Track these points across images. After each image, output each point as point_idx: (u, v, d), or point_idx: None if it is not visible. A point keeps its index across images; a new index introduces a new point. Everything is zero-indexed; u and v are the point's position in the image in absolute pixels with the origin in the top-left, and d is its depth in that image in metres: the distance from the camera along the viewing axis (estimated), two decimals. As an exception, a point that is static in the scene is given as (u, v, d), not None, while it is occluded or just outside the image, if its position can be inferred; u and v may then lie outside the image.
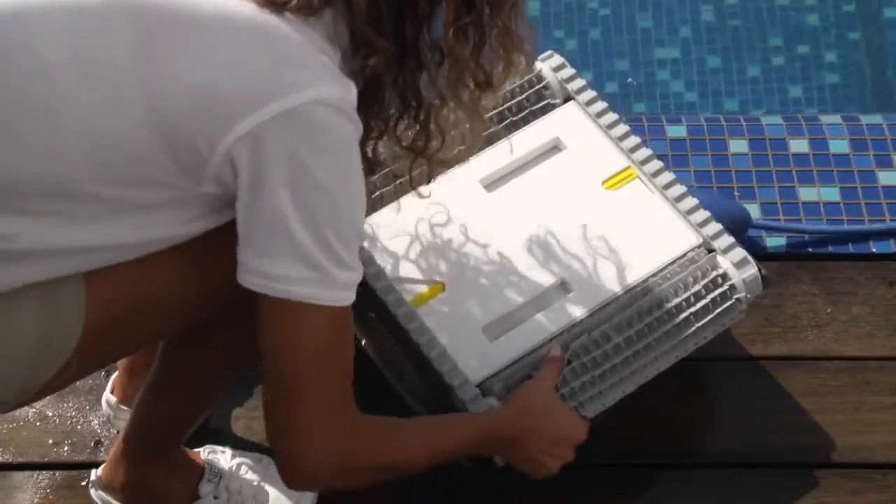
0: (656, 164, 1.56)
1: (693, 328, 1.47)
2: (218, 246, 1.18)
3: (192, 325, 1.29)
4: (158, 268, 1.21)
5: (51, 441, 1.62)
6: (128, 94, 1.09)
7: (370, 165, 1.24)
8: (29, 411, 1.64)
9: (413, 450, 1.29)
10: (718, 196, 1.83)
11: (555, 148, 1.60)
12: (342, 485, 1.27)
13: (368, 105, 1.17)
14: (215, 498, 1.49)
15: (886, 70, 2.55)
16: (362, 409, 1.56)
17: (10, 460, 1.60)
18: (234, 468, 1.51)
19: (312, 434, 1.18)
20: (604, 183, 1.56)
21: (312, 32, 1.12)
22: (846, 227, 1.82)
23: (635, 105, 2.56)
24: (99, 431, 1.63)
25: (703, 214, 1.53)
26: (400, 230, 1.52)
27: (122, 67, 1.09)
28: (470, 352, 1.42)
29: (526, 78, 1.62)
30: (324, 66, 1.11)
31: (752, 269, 1.49)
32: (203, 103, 1.09)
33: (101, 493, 1.50)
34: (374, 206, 1.55)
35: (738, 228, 1.73)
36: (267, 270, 1.12)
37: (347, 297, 1.15)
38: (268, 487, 1.52)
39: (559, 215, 1.54)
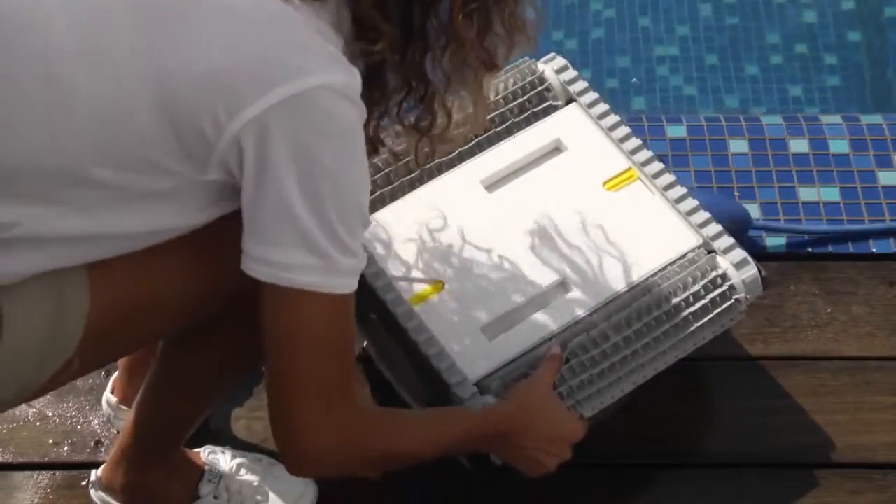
0: (657, 166, 1.56)
1: (692, 328, 1.47)
2: (220, 245, 1.18)
3: (193, 325, 1.29)
4: (161, 267, 1.21)
5: (51, 441, 1.62)
6: (132, 78, 1.08)
7: (373, 145, 1.24)
8: (29, 411, 1.64)
9: (413, 441, 1.29)
10: (720, 197, 1.83)
11: (556, 149, 1.60)
12: (343, 472, 1.29)
13: (371, 89, 1.17)
14: (215, 498, 1.49)
15: (886, 70, 2.55)
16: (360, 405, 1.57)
17: (10, 460, 1.60)
18: (234, 469, 1.51)
19: (315, 423, 1.18)
20: (605, 184, 1.56)
21: (318, 19, 1.12)
22: (846, 226, 1.82)
23: (634, 103, 2.56)
24: (99, 431, 1.63)
25: (704, 215, 1.53)
26: (400, 229, 1.53)
27: (127, 51, 1.08)
28: (468, 350, 1.43)
29: (528, 80, 1.62)
30: (329, 52, 1.11)
31: (751, 270, 1.50)
32: (210, 88, 1.08)
33: (100, 493, 1.50)
34: (374, 206, 1.55)
35: (739, 229, 1.73)
36: (271, 258, 1.12)
37: (351, 284, 1.16)
38: (268, 488, 1.52)
39: (560, 216, 1.54)
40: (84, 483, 1.53)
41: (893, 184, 1.87)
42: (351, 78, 1.11)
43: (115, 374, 1.60)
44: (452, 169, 1.58)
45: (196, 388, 1.39)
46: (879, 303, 1.76)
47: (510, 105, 1.61)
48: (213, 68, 1.08)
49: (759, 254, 1.75)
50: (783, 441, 1.62)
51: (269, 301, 1.15)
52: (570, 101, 1.63)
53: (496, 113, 1.60)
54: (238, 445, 1.57)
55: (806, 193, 1.86)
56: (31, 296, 1.15)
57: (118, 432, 1.57)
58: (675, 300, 1.46)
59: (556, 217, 1.54)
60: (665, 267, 1.50)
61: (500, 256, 1.51)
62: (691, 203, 1.54)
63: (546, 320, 1.46)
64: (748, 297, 1.50)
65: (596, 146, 1.59)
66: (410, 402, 1.55)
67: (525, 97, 1.62)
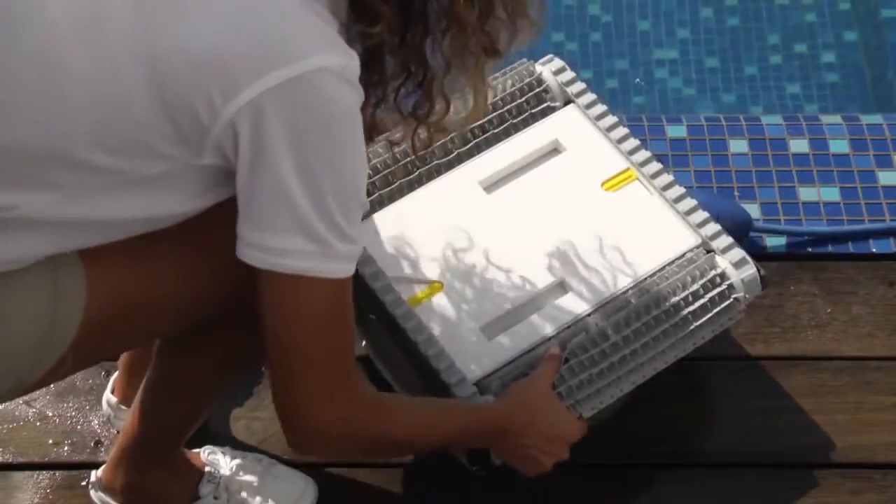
0: (655, 166, 1.57)
1: (691, 328, 1.47)
2: (219, 246, 1.18)
3: (191, 326, 1.29)
4: (160, 265, 1.21)
5: (51, 441, 1.62)
6: (127, 60, 1.07)
7: (368, 133, 1.21)
8: (29, 411, 1.64)
9: (414, 428, 1.29)
10: (722, 199, 1.83)
11: (554, 150, 1.60)
12: (344, 453, 1.30)
13: (368, 73, 1.15)
14: (215, 499, 1.49)
15: (886, 70, 2.55)
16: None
17: (10, 460, 1.60)
18: (234, 469, 1.51)
19: (317, 403, 1.18)
20: (603, 184, 1.57)
21: (315, 1, 1.10)
22: (846, 226, 1.82)
23: (634, 104, 2.56)
24: (99, 431, 1.63)
25: (702, 215, 1.53)
26: (399, 231, 1.53)
27: (122, 32, 1.07)
28: (468, 350, 1.43)
29: (526, 81, 1.62)
30: (328, 35, 1.10)
31: (750, 270, 1.50)
32: (206, 69, 1.06)
33: (100, 494, 1.50)
34: (373, 207, 1.55)
35: (741, 232, 1.73)
36: (267, 244, 1.11)
37: (348, 269, 1.15)
38: (268, 488, 1.52)
39: (558, 216, 1.54)
40: (84, 483, 1.54)
41: (893, 184, 1.87)
42: (350, 60, 1.10)
43: (115, 374, 1.61)
44: (451, 170, 1.59)
45: (195, 389, 1.39)
46: (879, 303, 1.76)
47: (508, 106, 1.61)
48: (209, 50, 1.06)
49: (758, 254, 1.75)
50: (783, 441, 1.62)
51: (266, 287, 1.14)
52: (568, 102, 1.63)
53: (495, 114, 1.61)
54: (238, 445, 1.57)
55: (806, 193, 1.86)
56: (27, 290, 1.15)
57: (118, 432, 1.57)
58: (673, 300, 1.46)
59: (554, 218, 1.54)
60: (664, 266, 1.50)
61: (499, 257, 1.51)
62: (690, 203, 1.54)
63: (545, 320, 1.47)
64: (747, 296, 1.50)
65: (594, 147, 1.59)
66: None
67: (523, 98, 1.62)
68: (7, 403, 1.65)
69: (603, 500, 1.58)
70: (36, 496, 1.57)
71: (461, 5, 1.13)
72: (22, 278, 1.15)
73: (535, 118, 1.62)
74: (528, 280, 1.49)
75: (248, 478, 1.52)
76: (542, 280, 1.49)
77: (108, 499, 1.49)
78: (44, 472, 1.59)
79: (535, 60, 1.66)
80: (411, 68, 1.17)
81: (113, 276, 1.18)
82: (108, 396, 1.60)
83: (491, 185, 1.58)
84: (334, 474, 1.58)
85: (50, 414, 1.64)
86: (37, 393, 1.65)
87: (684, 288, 1.47)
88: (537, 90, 1.63)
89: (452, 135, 1.58)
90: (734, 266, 1.50)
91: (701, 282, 1.48)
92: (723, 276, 1.49)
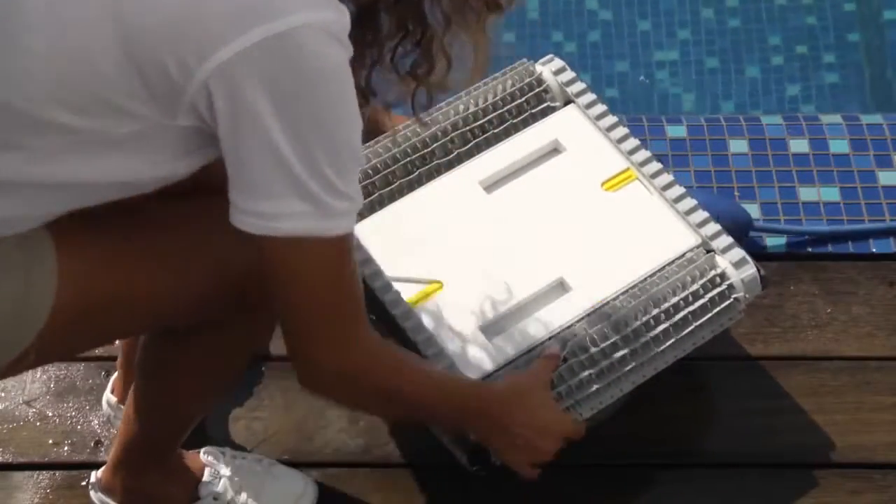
0: (655, 166, 1.57)
1: (691, 327, 1.47)
2: (198, 248, 1.16)
3: (169, 332, 1.27)
4: (137, 259, 1.18)
5: (51, 441, 1.62)
6: (93, 13, 1.02)
7: (364, 95, 1.16)
8: (29, 411, 1.64)
9: (421, 388, 1.28)
10: (721, 199, 1.83)
11: (554, 150, 1.61)
12: (352, 399, 1.28)
13: (363, 31, 1.11)
14: (215, 499, 1.48)
15: (886, 70, 2.55)
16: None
17: (10, 460, 1.60)
18: (234, 470, 1.51)
19: (326, 354, 1.17)
20: (603, 184, 1.57)
21: None
22: (846, 226, 1.82)
23: (633, 105, 2.56)
24: (99, 431, 1.63)
25: (702, 215, 1.53)
26: (399, 230, 1.53)
27: None
28: (468, 350, 1.43)
29: (526, 81, 1.62)
30: None
31: (750, 269, 1.50)
32: (177, 25, 1.01)
33: (100, 495, 1.50)
34: (373, 207, 1.55)
35: (740, 232, 1.73)
36: (262, 209, 1.07)
37: (348, 225, 1.11)
38: (268, 489, 1.52)
39: (558, 216, 1.54)
40: (84, 483, 1.54)
41: (893, 184, 1.87)
42: (339, 15, 1.04)
43: (115, 374, 1.61)
44: (451, 170, 1.59)
45: (184, 391, 1.37)
46: (879, 303, 1.76)
47: (508, 106, 1.61)
48: (181, 4, 1.01)
49: (758, 253, 1.75)
50: (783, 441, 1.62)
51: (266, 251, 1.11)
52: (568, 102, 1.64)
53: (495, 114, 1.61)
54: (238, 446, 1.57)
55: (806, 193, 1.86)
56: None
57: (117, 433, 1.57)
58: (673, 299, 1.46)
59: (554, 217, 1.54)
60: (664, 266, 1.50)
61: (499, 257, 1.51)
62: (690, 203, 1.54)
63: (545, 320, 1.47)
64: (747, 296, 1.50)
65: (594, 147, 1.60)
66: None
67: (523, 98, 1.62)
68: (7, 403, 1.65)
69: (603, 500, 1.58)
70: (36, 496, 1.57)
71: None
72: None
73: (535, 118, 1.62)
74: (527, 280, 1.49)
75: (248, 478, 1.51)
76: (542, 280, 1.49)
77: (107, 499, 1.49)
78: (44, 472, 1.59)
79: (535, 60, 1.66)
80: (409, 26, 1.12)
81: (87, 266, 1.15)
82: (108, 396, 1.60)
83: (491, 185, 1.58)
84: (334, 474, 1.58)
85: (50, 414, 1.64)
86: (37, 393, 1.65)
87: (684, 288, 1.47)
88: (537, 90, 1.63)
89: (453, 135, 1.58)
90: (734, 266, 1.50)
91: (701, 282, 1.48)
92: (723, 276, 1.49)
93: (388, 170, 1.56)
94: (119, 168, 1.10)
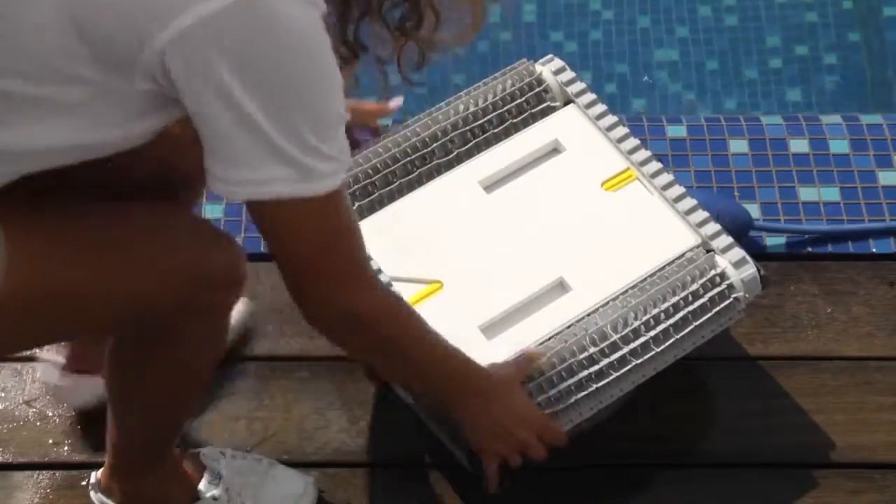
0: (655, 166, 1.57)
1: (691, 327, 1.47)
2: (147, 247, 1.14)
3: (133, 325, 1.25)
4: (91, 253, 1.15)
5: (51, 441, 1.62)
6: None
7: (352, 50, 1.13)
8: (29, 411, 1.64)
9: (424, 346, 1.28)
10: (721, 198, 1.83)
11: (554, 150, 1.61)
12: (353, 343, 1.26)
13: None
14: (215, 499, 1.48)
15: (886, 70, 2.55)
16: (360, 405, 1.57)
17: (10, 460, 1.60)
18: (234, 470, 1.51)
19: (328, 293, 1.16)
20: (603, 184, 1.57)
21: None
22: (846, 226, 1.82)
23: (634, 104, 2.56)
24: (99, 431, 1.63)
25: (702, 215, 1.53)
26: (399, 230, 1.53)
27: None
28: (468, 350, 1.42)
29: (526, 81, 1.62)
30: None
31: (750, 269, 1.50)
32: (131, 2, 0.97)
33: (100, 495, 1.49)
34: (373, 207, 1.55)
35: (740, 231, 1.73)
36: (242, 177, 1.05)
37: (334, 183, 1.08)
38: (268, 489, 1.52)
39: (558, 216, 1.54)
40: (84, 483, 1.53)
41: (893, 184, 1.87)
42: None
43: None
44: (451, 170, 1.59)
45: (152, 397, 1.35)
46: (879, 303, 1.76)
47: (508, 106, 1.61)
48: None
49: (759, 253, 1.75)
50: (783, 441, 1.62)
51: (256, 215, 1.10)
52: (568, 102, 1.64)
53: (495, 114, 1.61)
54: (238, 446, 1.57)
55: (806, 193, 1.86)
56: None
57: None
58: (673, 299, 1.46)
59: (554, 217, 1.54)
60: (663, 266, 1.50)
61: (499, 257, 1.51)
62: (690, 202, 1.54)
63: (545, 320, 1.47)
64: (747, 295, 1.50)
65: (594, 147, 1.60)
66: (408, 401, 1.55)
67: (523, 98, 1.62)
68: (7, 403, 1.65)
69: (603, 500, 1.58)
70: (36, 496, 1.57)
71: None
72: None
73: (535, 118, 1.62)
74: (527, 280, 1.49)
75: (248, 479, 1.51)
76: (542, 279, 1.49)
77: (107, 500, 1.49)
78: (44, 472, 1.59)
79: (535, 60, 1.66)
80: None
81: (36, 256, 1.11)
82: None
83: (491, 185, 1.58)
84: (334, 474, 1.58)
85: (50, 414, 1.64)
86: (37, 393, 1.65)
87: (684, 288, 1.47)
88: (537, 90, 1.63)
89: (453, 135, 1.58)
90: (734, 266, 1.50)
91: (701, 281, 1.48)
92: (722, 275, 1.49)
93: (388, 170, 1.56)
94: (74, 131, 1.07)
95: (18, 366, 1.68)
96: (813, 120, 1.96)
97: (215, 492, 1.48)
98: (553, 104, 1.63)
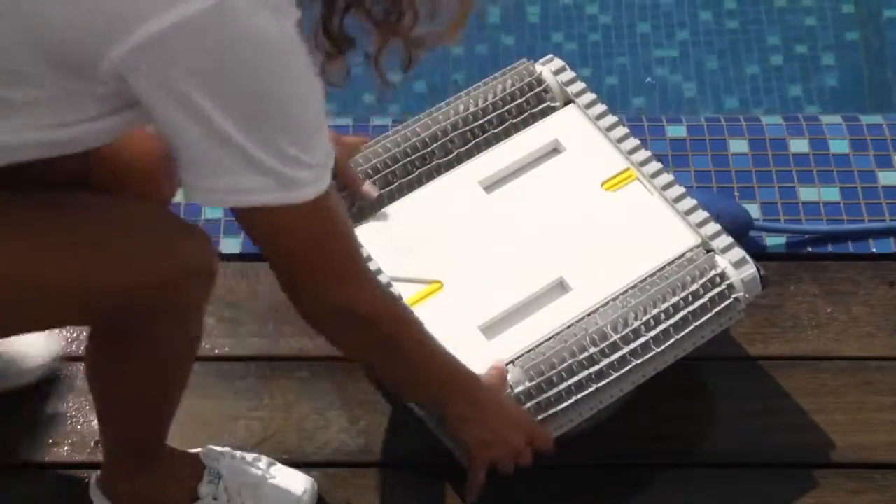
0: (655, 166, 1.57)
1: (691, 327, 1.47)
2: (111, 242, 1.13)
3: (105, 331, 1.25)
4: (54, 245, 1.14)
5: (51, 441, 1.62)
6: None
7: (337, 44, 1.09)
8: (29, 411, 1.64)
9: (419, 348, 1.28)
10: (721, 198, 1.83)
11: (554, 150, 1.61)
12: (346, 340, 1.26)
13: None
14: (214, 499, 1.48)
15: (886, 71, 2.55)
16: (360, 405, 1.57)
17: (11, 460, 1.60)
18: (233, 469, 1.51)
19: (322, 291, 1.16)
20: (603, 184, 1.57)
21: None
22: (846, 226, 1.82)
23: (634, 106, 2.56)
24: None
25: (702, 215, 1.53)
26: (399, 230, 1.53)
27: None
28: (468, 350, 1.43)
29: (526, 81, 1.62)
30: None
31: (750, 269, 1.50)
32: (85, 2, 0.94)
33: (100, 496, 1.49)
34: (373, 207, 1.55)
35: (740, 231, 1.73)
36: (219, 186, 1.03)
37: (318, 189, 1.06)
38: (267, 488, 1.51)
39: (558, 216, 1.54)
40: (84, 483, 1.53)
41: (893, 184, 1.87)
42: None
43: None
44: (451, 170, 1.59)
45: (131, 391, 1.35)
46: (879, 303, 1.76)
47: (508, 106, 1.61)
48: None
49: (759, 253, 1.75)
50: (783, 441, 1.62)
51: (241, 219, 1.08)
52: (568, 102, 1.64)
53: (495, 114, 1.61)
54: (238, 446, 1.57)
55: (806, 193, 1.86)
56: None
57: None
58: (673, 299, 1.47)
59: (554, 217, 1.54)
60: (663, 266, 1.50)
61: (499, 257, 1.51)
62: (690, 202, 1.54)
63: (545, 320, 1.47)
64: (747, 295, 1.50)
65: (594, 147, 1.60)
66: (412, 405, 1.55)
67: (523, 98, 1.62)
68: (7, 403, 1.65)
69: (603, 500, 1.58)
70: (36, 496, 1.57)
71: None
72: None
73: (535, 118, 1.62)
74: (527, 280, 1.49)
75: (248, 478, 1.51)
76: (542, 280, 1.49)
77: (107, 501, 1.49)
78: (44, 472, 1.59)
79: (535, 60, 1.66)
80: None
81: (3, 247, 1.10)
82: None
83: (491, 185, 1.58)
84: (334, 474, 1.58)
85: (50, 414, 1.64)
86: (37, 393, 1.65)
87: (684, 288, 1.47)
88: (537, 90, 1.63)
89: (453, 135, 1.58)
90: (734, 266, 1.50)
91: (701, 281, 1.48)
92: (723, 275, 1.49)
93: (388, 170, 1.56)
94: (41, 129, 1.05)
95: (18, 366, 1.68)
96: (813, 120, 1.97)
97: (215, 492, 1.48)
98: (553, 104, 1.63)
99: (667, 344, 1.46)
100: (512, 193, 1.57)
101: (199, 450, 1.53)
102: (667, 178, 1.56)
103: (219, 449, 1.53)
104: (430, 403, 1.40)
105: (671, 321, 1.46)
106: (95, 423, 1.63)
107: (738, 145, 1.92)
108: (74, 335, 1.69)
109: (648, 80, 2.58)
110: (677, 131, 1.94)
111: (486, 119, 1.60)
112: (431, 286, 1.49)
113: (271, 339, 1.70)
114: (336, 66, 1.10)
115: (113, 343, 1.30)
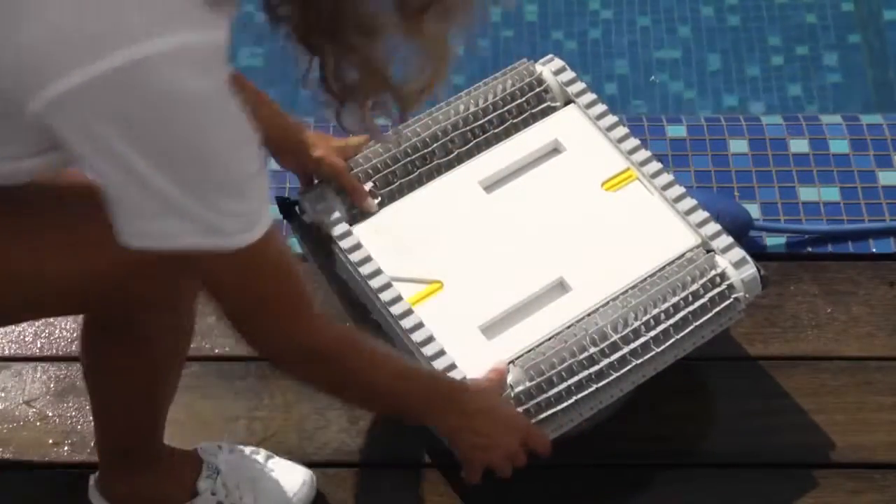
0: (655, 166, 1.57)
1: (691, 327, 1.47)
2: (101, 229, 1.11)
3: (98, 326, 1.25)
4: (38, 237, 1.14)
5: (51, 441, 1.62)
6: None
7: (338, 97, 1.08)
8: (29, 411, 1.64)
9: (379, 371, 1.26)
10: (721, 198, 1.83)
11: (555, 150, 1.61)
12: (307, 381, 1.28)
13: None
14: (213, 494, 1.48)
15: (887, 70, 2.55)
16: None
17: (11, 460, 1.60)
18: (231, 463, 1.51)
19: (269, 336, 1.17)
20: (603, 184, 1.57)
21: None
22: (846, 226, 1.82)
23: (634, 105, 2.56)
24: (99, 432, 1.63)
25: (702, 215, 1.53)
26: (399, 230, 1.53)
27: None
28: (468, 350, 1.43)
29: (526, 81, 1.62)
30: (170, 9, 0.93)
31: (750, 269, 1.50)
32: (15, 60, 0.94)
33: (99, 497, 1.49)
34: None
35: (740, 231, 1.73)
36: (147, 230, 1.02)
37: (250, 237, 1.05)
38: (265, 481, 1.51)
39: (558, 216, 1.54)
40: (84, 483, 1.53)
41: (893, 184, 1.87)
42: (201, 35, 0.94)
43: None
44: (451, 170, 1.59)
45: (130, 385, 1.35)
46: (879, 303, 1.76)
47: (509, 106, 1.61)
48: (19, 44, 0.93)
49: (759, 253, 1.75)
50: (783, 441, 1.62)
51: (175, 259, 1.07)
52: (568, 102, 1.64)
53: (495, 114, 1.61)
54: (237, 443, 1.57)
55: (806, 193, 1.86)
56: None
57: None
58: (673, 299, 1.47)
59: (554, 217, 1.54)
60: (664, 266, 1.50)
61: (499, 257, 1.51)
62: (690, 202, 1.54)
63: (545, 320, 1.47)
64: (747, 295, 1.50)
65: (594, 147, 1.60)
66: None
67: (523, 98, 1.62)
68: (7, 403, 1.65)
69: (603, 500, 1.58)
70: (36, 496, 1.57)
71: None
72: None
73: (535, 118, 1.62)
74: (527, 280, 1.49)
75: (246, 472, 1.51)
76: (542, 280, 1.49)
77: (106, 502, 1.49)
78: (44, 472, 1.59)
79: (536, 60, 1.66)
80: (322, 34, 1.01)
81: None
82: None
83: (491, 185, 1.58)
84: (334, 474, 1.58)
85: (50, 414, 1.64)
86: (37, 393, 1.65)
87: (684, 288, 1.47)
88: (537, 90, 1.63)
89: (453, 135, 1.58)
90: (734, 266, 1.50)
91: (701, 282, 1.48)
92: (723, 275, 1.49)
93: (388, 170, 1.56)
94: None
95: (19, 366, 1.68)
96: (813, 120, 1.97)
97: (213, 486, 1.48)
98: (553, 104, 1.63)
99: (667, 344, 1.46)
100: (512, 193, 1.57)
101: (196, 446, 1.52)
102: (667, 178, 1.56)
103: (216, 443, 1.53)
104: (418, 420, 1.40)
105: (671, 321, 1.46)
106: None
107: (738, 145, 1.92)
108: (74, 335, 1.69)
109: (652, 78, 2.58)
110: (677, 131, 1.94)
111: (486, 119, 1.60)
112: (431, 286, 1.49)
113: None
114: (350, 114, 1.09)
115: (106, 335, 1.30)
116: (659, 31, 2.64)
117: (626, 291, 1.48)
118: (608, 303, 1.47)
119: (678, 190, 1.55)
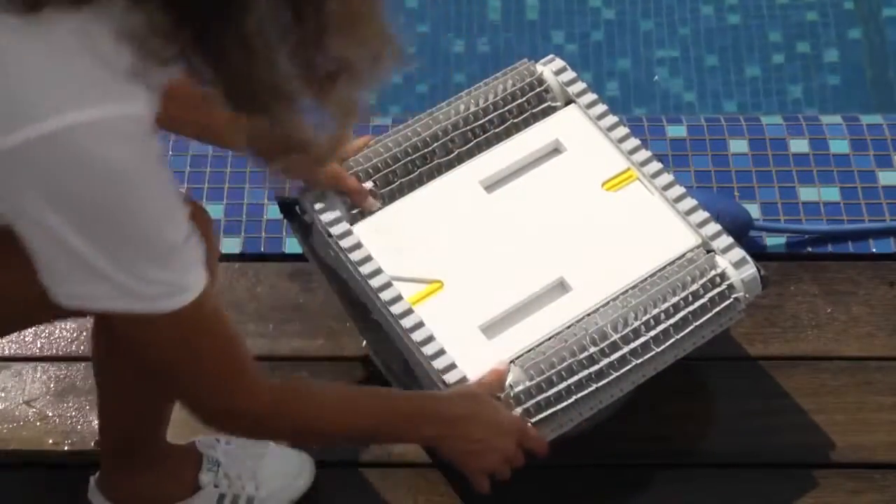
0: (656, 166, 1.57)
1: (691, 327, 1.47)
2: None
3: (101, 329, 1.27)
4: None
5: (51, 441, 1.62)
6: None
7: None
8: (29, 411, 1.64)
9: (329, 418, 1.27)
10: (721, 198, 1.83)
11: (555, 150, 1.61)
12: (262, 437, 1.30)
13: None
14: (216, 487, 1.48)
15: (887, 70, 2.55)
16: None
17: (10, 460, 1.60)
18: (230, 454, 1.51)
19: (211, 407, 1.18)
20: (604, 184, 1.57)
21: (92, 27, 0.93)
22: (846, 226, 1.82)
23: (634, 105, 2.56)
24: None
25: (703, 215, 1.53)
26: (400, 230, 1.53)
27: None
28: (468, 350, 1.43)
29: (527, 81, 1.62)
30: (93, 81, 0.94)
31: (750, 269, 1.50)
32: None
33: (99, 497, 1.49)
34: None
35: (740, 231, 1.73)
36: (71, 291, 1.04)
37: (173, 304, 1.06)
38: (266, 469, 1.51)
39: (559, 216, 1.54)
40: (84, 483, 1.53)
41: (893, 184, 1.87)
42: (122, 106, 0.96)
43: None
44: (451, 170, 1.59)
45: (134, 398, 1.37)
46: (879, 303, 1.76)
47: (509, 106, 1.61)
48: None
49: (759, 253, 1.75)
50: (783, 441, 1.62)
51: (103, 317, 1.10)
52: (568, 102, 1.64)
53: (495, 114, 1.61)
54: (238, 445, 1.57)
55: (806, 193, 1.86)
56: None
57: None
58: (673, 299, 1.46)
59: (555, 217, 1.54)
60: (664, 266, 1.50)
61: (500, 256, 1.51)
62: (690, 203, 1.54)
63: (545, 320, 1.47)
64: (747, 296, 1.50)
65: (595, 147, 1.60)
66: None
67: (524, 98, 1.62)
68: (7, 403, 1.65)
69: (603, 500, 1.58)
70: (36, 496, 1.57)
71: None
72: None
73: (535, 118, 1.62)
74: (528, 279, 1.49)
75: (246, 462, 1.51)
76: (543, 279, 1.49)
77: (106, 502, 1.49)
78: (44, 472, 1.59)
79: (536, 60, 1.66)
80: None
81: None
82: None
83: (491, 185, 1.58)
84: (334, 474, 1.58)
85: (50, 414, 1.64)
86: (37, 393, 1.65)
87: (684, 288, 1.47)
88: (538, 90, 1.63)
89: (453, 135, 1.58)
90: (734, 266, 1.50)
91: (701, 282, 1.48)
92: (723, 275, 1.49)
93: (389, 169, 1.56)
94: None
95: (19, 366, 1.68)
96: (813, 120, 1.97)
97: (215, 479, 1.48)
98: (554, 104, 1.63)
99: (667, 344, 1.46)
100: (512, 193, 1.57)
101: (194, 440, 1.52)
102: (667, 178, 1.56)
103: (214, 437, 1.53)
104: (404, 441, 1.40)
105: (671, 321, 1.46)
106: (95, 423, 1.63)
107: (738, 145, 1.92)
108: (74, 335, 1.70)
109: (656, 78, 2.58)
110: (677, 131, 1.94)
111: (486, 119, 1.60)
112: (432, 286, 1.49)
113: (271, 339, 1.70)
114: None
115: (115, 338, 1.30)
116: (660, 31, 2.64)
117: (627, 291, 1.48)
118: (608, 303, 1.47)
119: (678, 190, 1.55)
